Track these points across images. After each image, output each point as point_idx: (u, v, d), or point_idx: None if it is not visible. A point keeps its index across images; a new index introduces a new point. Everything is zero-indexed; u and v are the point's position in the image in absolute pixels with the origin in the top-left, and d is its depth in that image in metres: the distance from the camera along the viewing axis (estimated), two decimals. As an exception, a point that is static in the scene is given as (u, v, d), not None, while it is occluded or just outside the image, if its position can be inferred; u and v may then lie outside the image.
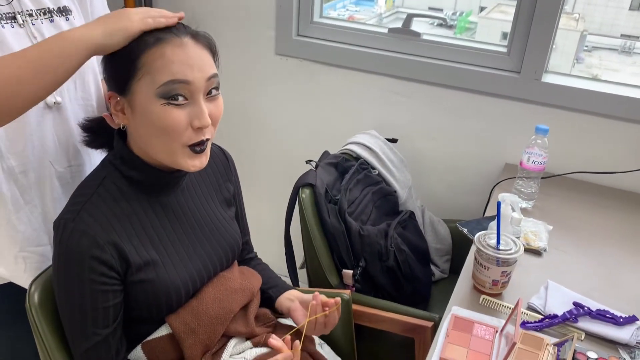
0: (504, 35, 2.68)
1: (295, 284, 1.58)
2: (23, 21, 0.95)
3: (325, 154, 1.66)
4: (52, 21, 1.00)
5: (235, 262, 1.19)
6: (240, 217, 1.24)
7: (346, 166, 1.62)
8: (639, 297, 1.19)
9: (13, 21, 0.94)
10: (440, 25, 2.59)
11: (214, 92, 0.94)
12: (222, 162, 1.18)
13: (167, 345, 1.03)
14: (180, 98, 0.89)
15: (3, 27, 0.92)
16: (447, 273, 1.78)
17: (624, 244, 1.40)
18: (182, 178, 1.04)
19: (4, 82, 0.81)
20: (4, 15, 0.93)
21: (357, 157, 1.69)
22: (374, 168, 1.70)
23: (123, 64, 0.90)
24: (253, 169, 2.17)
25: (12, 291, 1.08)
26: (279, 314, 1.21)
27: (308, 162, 1.57)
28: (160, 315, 1.02)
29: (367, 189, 1.63)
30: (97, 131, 1.04)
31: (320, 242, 1.44)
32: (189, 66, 0.89)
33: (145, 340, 1.03)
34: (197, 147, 0.93)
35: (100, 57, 0.94)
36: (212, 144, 1.19)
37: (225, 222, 1.14)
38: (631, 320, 1.08)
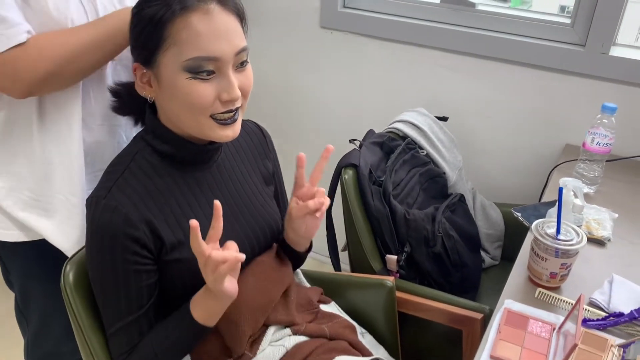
0: (562, 9, 2.50)
1: (337, 267, 1.52)
2: None
3: (370, 132, 1.58)
4: None
5: (275, 245, 1.14)
6: (280, 196, 1.19)
7: (392, 146, 1.54)
8: None
9: None
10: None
11: (243, 63, 0.89)
12: (259, 139, 1.13)
13: (210, 337, 1.01)
14: (208, 72, 0.85)
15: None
16: (499, 260, 1.68)
17: (699, 236, 1.26)
18: (216, 152, 1.00)
19: (65, 54, 0.92)
20: None
21: (404, 137, 1.60)
22: (421, 148, 1.61)
23: (148, 34, 0.86)
24: (294, 147, 2.11)
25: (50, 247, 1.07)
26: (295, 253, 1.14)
27: (352, 141, 1.50)
28: (189, 296, 0.98)
29: (414, 170, 1.54)
30: (125, 97, 1.01)
31: (363, 226, 1.38)
32: (217, 39, 0.84)
33: None
34: (227, 118, 0.89)
35: None
36: (249, 120, 1.14)
37: (264, 200, 1.09)
38: None
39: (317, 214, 0.99)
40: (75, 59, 0.93)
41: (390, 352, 1.26)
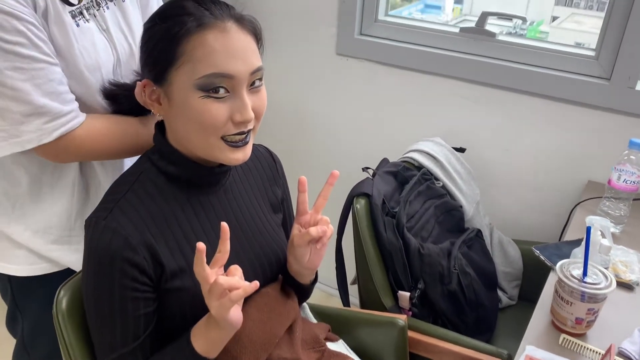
0: (577, 45, 2.47)
1: (346, 302, 1.45)
2: (90, 15, 0.97)
3: (384, 161, 1.53)
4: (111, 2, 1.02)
5: (280, 276, 1.08)
6: (289, 225, 1.13)
7: (407, 176, 1.48)
8: None
9: (80, 17, 0.95)
10: (509, 34, 2.45)
11: (257, 83, 0.86)
12: (269, 164, 1.08)
13: None
14: (222, 91, 0.81)
15: (77, 24, 0.94)
16: (516, 300, 1.60)
17: None
18: (224, 175, 0.95)
19: (99, 151, 1.00)
20: (74, 12, 0.94)
21: (420, 167, 1.55)
22: (437, 179, 1.55)
23: (162, 51, 0.82)
24: (305, 174, 2.06)
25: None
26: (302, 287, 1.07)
27: (365, 169, 1.45)
28: (189, 326, 0.92)
29: (429, 202, 1.48)
30: (120, 100, 0.98)
31: (374, 259, 1.31)
32: (232, 57, 0.81)
33: None
34: (238, 140, 0.85)
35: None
36: (260, 145, 1.09)
37: (271, 228, 1.04)
38: None
39: (318, 245, 0.93)
40: (113, 156, 1.04)
41: (400, 395, 1.18)
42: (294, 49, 1.96)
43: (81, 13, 0.95)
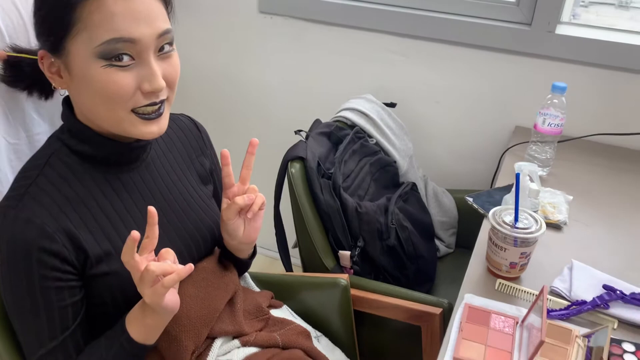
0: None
1: (288, 267, 1.44)
2: None
3: (317, 122, 1.50)
4: None
5: (217, 249, 1.05)
6: (220, 197, 1.09)
7: (340, 135, 1.46)
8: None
9: None
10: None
11: (166, 48, 0.79)
12: (193, 134, 1.02)
13: (149, 355, 0.91)
14: (126, 58, 0.74)
15: None
16: (453, 247, 1.64)
17: (652, 214, 1.25)
18: (143, 150, 0.89)
19: None
20: None
21: (352, 125, 1.53)
22: (370, 136, 1.54)
23: (55, 18, 0.74)
24: (235, 141, 2.01)
25: None
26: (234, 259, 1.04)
27: (297, 132, 1.42)
28: (125, 311, 0.88)
29: (364, 160, 1.47)
30: (23, 69, 0.89)
31: (313, 222, 1.30)
32: (135, 20, 0.73)
33: None
34: (150, 112, 0.79)
35: None
36: (182, 114, 1.03)
37: (202, 201, 0.99)
38: (671, 304, 0.94)
39: (249, 214, 0.90)
40: None
41: (348, 353, 1.20)
42: (216, 12, 1.86)
43: None
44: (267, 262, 2.20)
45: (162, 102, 0.80)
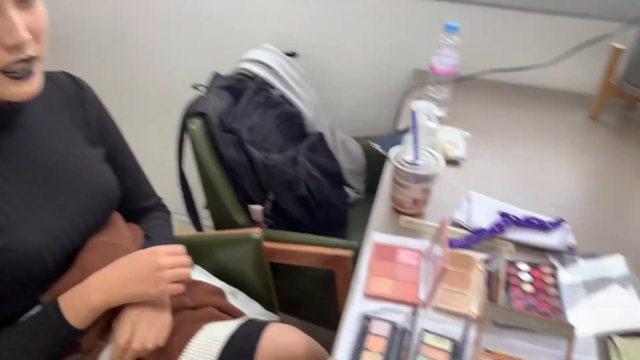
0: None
1: (198, 228, 1.41)
2: None
3: (216, 76, 1.45)
4: None
5: (119, 216, 0.99)
6: (120, 157, 1.02)
7: (241, 88, 1.42)
8: (564, 199, 1.14)
9: None
10: None
11: None
12: (74, 93, 0.94)
13: None
14: None
15: None
16: (363, 193, 1.67)
17: (544, 145, 1.33)
18: (17, 113, 0.82)
19: None
20: None
21: (254, 77, 1.49)
22: (273, 87, 1.51)
23: None
24: (130, 99, 1.91)
25: None
26: None
27: (195, 87, 1.36)
28: (26, 291, 0.82)
29: (268, 112, 1.45)
30: None
31: (219, 179, 1.27)
32: None
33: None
34: (19, 70, 0.72)
35: None
36: (61, 72, 0.95)
37: (91, 164, 0.93)
38: (558, 224, 1.01)
39: None
40: None
41: (266, 306, 1.20)
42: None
43: None
44: (181, 226, 2.14)
45: (31, 58, 0.72)
